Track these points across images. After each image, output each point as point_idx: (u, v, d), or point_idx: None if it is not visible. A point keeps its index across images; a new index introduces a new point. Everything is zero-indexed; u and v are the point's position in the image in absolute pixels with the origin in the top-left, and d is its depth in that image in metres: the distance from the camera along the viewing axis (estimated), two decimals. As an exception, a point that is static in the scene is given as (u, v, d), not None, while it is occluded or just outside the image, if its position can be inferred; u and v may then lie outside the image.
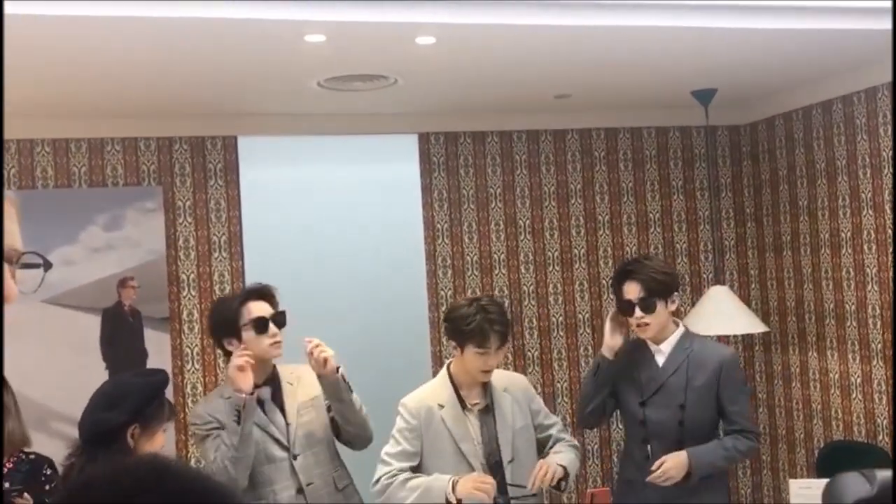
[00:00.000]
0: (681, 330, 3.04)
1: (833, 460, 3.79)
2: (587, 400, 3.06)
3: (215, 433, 2.70)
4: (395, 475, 2.72)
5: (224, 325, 2.82)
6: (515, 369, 4.33)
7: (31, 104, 3.55)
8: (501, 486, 2.72)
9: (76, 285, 3.83)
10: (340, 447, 2.94)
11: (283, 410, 2.80)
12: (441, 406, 2.77)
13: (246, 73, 3.23)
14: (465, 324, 2.68)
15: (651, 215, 4.54)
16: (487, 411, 2.79)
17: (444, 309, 4.19)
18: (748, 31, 3.05)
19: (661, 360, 3.00)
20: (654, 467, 2.85)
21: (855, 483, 1.01)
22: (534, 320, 4.38)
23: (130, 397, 2.11)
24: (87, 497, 0.76)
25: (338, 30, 2.68)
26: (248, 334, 2.76)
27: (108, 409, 2.11)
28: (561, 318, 4.41)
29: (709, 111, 4.10)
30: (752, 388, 4.60)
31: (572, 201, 4.44)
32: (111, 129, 3.88)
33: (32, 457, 2.53)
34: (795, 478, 4.29)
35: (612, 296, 4.39)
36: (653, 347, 3.02)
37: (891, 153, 3.70)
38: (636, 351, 3.05)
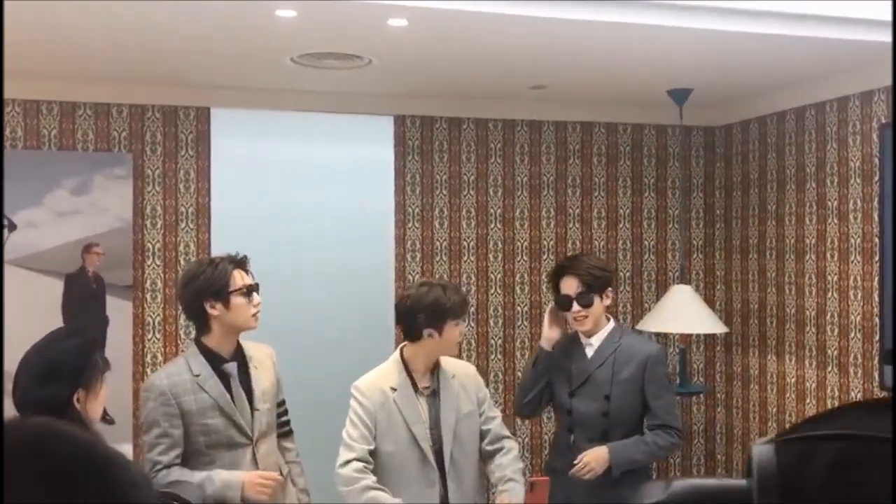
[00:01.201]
0: (611, 324, 3.15)
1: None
2: (525, 390, 3.17)
3: (166, 434, 2.65)
4: (359, 476, 2.71)
5: (212, 287, 2.73)
6: (478, 356, 4.35)
7: (5, 64, 3.51)
8: (440, 472, 2.74)
9: (41, 248, 3.82)
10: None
11: (250, 396, 2.77)
12: (393, 389, 2.79)
13: (220, 46, 3.21)
14: (444, 304, 2.76)
15: (621, 211, 4.57)
16: (434, 395, 2.83)
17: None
18: (726, 33, 3.07)
19: (590, 352, 3.11)
20: (575, 461, 2.94)
21: (653, 488, 1.07)
22: (499, 308, 4.40)
23: (67, 366, 2.09)
24: None
25: (309, 6, 2.67)
26: (238, 300, 2.74)
27: (49, 383, 2.09)
28: (526, 308, 4.43)
29: (684, 111, 4.12)
30: (712, 387, 4.66)
31: (544, 193, 4.46)
32: (84, 93, 3.85)
33: None
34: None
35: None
36: (584, 340, 3.12)
37: (858, 163, 3.74)
38: (569, 344, 3.16)
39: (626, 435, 3.03)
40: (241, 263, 2.84)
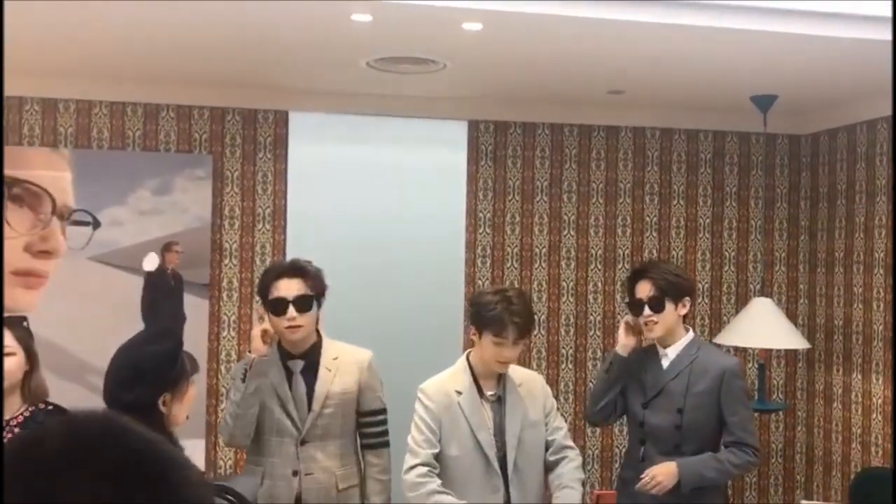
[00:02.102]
0: (689, 336, 3.05)
1: (867, 486, 3.66)
2: (598, 398, 3.08)
3: (234, 385, 2.78)
4: (424, 480, 2.70)
5: (260, 294, 2.88)
6: (549, 365, 4.30)
7: (92, 66, 3.64)
8: (503, 478, 2.71)
9: (122, 245, 3.93)
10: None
11: (310, 394, 2.79)
12: (459, 393, 2.77)
13: (296, 50, 3.26)
14: (487, 310, 2.69)
15: (701, 220, 4.44)
16: (500, 402, 2.79)
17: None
18: (813, 37, 2.95)
19: (665, 363, 3.01)
20: (643, 475, 2.86)
21: None
22: (571, 318, 4.33)
23: (154, 371, 2.10)
24: (38, 450, 0.77)
25: (384, 10, 2.68)
26: (269, 312, 2.79)
27: (136, 387, 2.11)
28: (599, 318, 4.35)
29: (768, 118, 3.99)
30: (793, 405, 4.48)
31: (620, 200, 4.37)
32: (167, 95, 3.96)
33: (51, 408, 2.59)
34: (829, 500, 4.17)
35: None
36: (660, 351, 3.03)
37: (955, 174, 3.54)
38: (645, 355, 3.07)
39: (699, 450, 2.93)
40: (293, 272, 2.78)
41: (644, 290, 2.97)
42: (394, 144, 4.42)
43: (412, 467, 2.73)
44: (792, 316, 4.39)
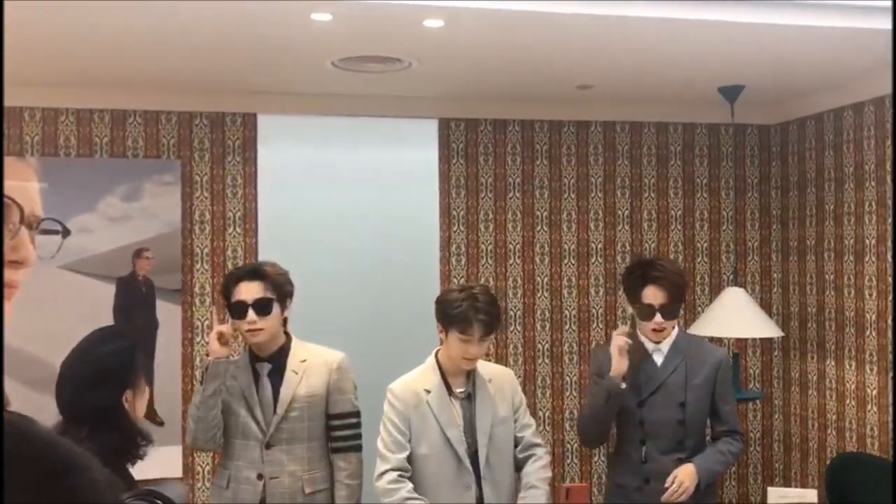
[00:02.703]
0: (676, 329, 3.04)
1: (842, 471, 3.69)
2: (600, 425, 2.95)
3: (197, 388, 2.81)
4: (396, 486, 2.68)
5: (224, 298, 2.86)
6: (526, 361, 4.30)
7: (57, 74, 3.61)
8: (475, 475, 2.71)
9: (93, 253, 3.90)
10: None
11: (276, 397, 2.78)
12: (427, 391, 2.77)
13: (261, 51, 3.24)
14: (452, 308, 2.69)
15: (673, 212, 4.46)
16: (469, 399, 2.79)
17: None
18: (778, 27, 2.96)
19: (659, 359, 2.97)
20: (667, 483, 2.79)
21: None
22: (546, 312, 4.34)
23: (115, 370, 2.11)
24: None
25: (343, 9, 2.67)
26: (230, 316, 2.78)
27: (99, 388, 2.10)
28: (574, 312, 4.36)
29: (737, 109, 4.01)
30: (769, 394, 4.51)
31: (592, 195, 4.39)
32: (133, 101, 3.93)
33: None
34: (807, 487, 4.20)
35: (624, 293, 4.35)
36: (650, 346, 2.98)
37: (920, 159, 3.58)
38: (633, 350, 2.97)
39: (698, 443, 2.92)
40: (254, 274, 2.77)
41: (655, 296, 2.87)
42: (364, 145, 4.41)
43: (382, 473, 2.71)
44: (766, 305, 4.42)
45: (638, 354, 2.96)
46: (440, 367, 2.81)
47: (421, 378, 2.82)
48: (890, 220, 3.74)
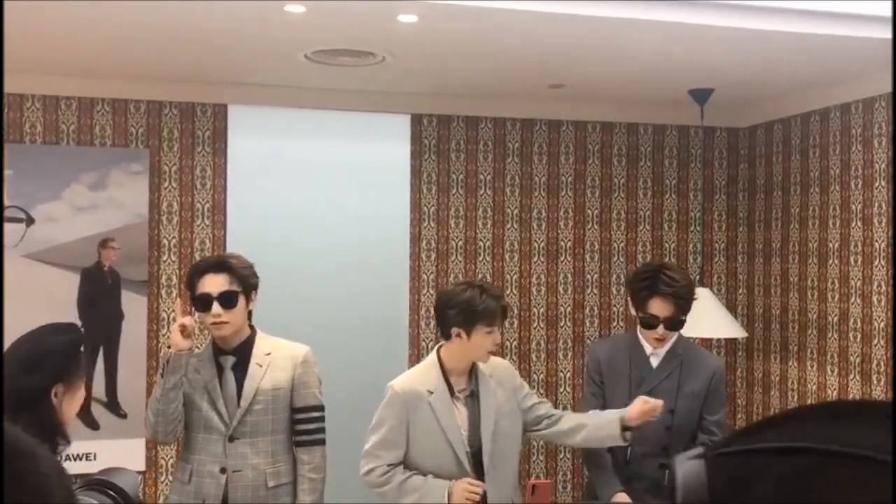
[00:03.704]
0: (677, 333, 2.99)
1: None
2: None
3: (158, 381, 2.79)
4: (390, 471, 2.67)
5: (188, 290, 2.84)
6: (493, 358, 4.31)
7: (24, 59, 3.55)
8: (478, 472, 2.69)
9: (58, 243, 3.85)
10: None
11: (239, 390, 2.76)
12: (430, 392, 2.71)
13: (233, 42, 3.21)
14: (476, 305, 2.66)
15: (641, 213, 4.50)
16: (473, 397, 2.76)
17: (432, 295, 4.18)
18: (748, 31, 3.00)
19: (655, 361, 2.96)
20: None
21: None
22: (515, 310, 4.35)
23: (51, 357, 2.07)
24: None
25: (317, 2, 2.66)
26: (195, 308, 2.76)
27: (30, 373, 2.07)
28: (542, 310, 4.38)
29: (707, 112, 4.05)
30: (732, 394, 4.57)
31: (562, 193, 4.41)
32: (101, 89, 3.88)
33: None
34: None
35: (595, 290, 4.38)
36: (648, 348, 2.97)
37: (883, 165, 3.64)
38: (628, 347, 2.98)
39: (684, 450, 2.90)
40: (218, 267, 2.74)
41: (662, 308, 2.85)
42: (335, 138, 4.40)
43: (369, 471, 2.69)
44: (731, 306, 4.47)
45: (636, 353, 2.97)
46: (442, 367, 2.76)
47: (423, 378, 2.75)
48: (854, 224, 3.81)
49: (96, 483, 0.98)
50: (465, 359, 2.74)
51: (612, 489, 2.88)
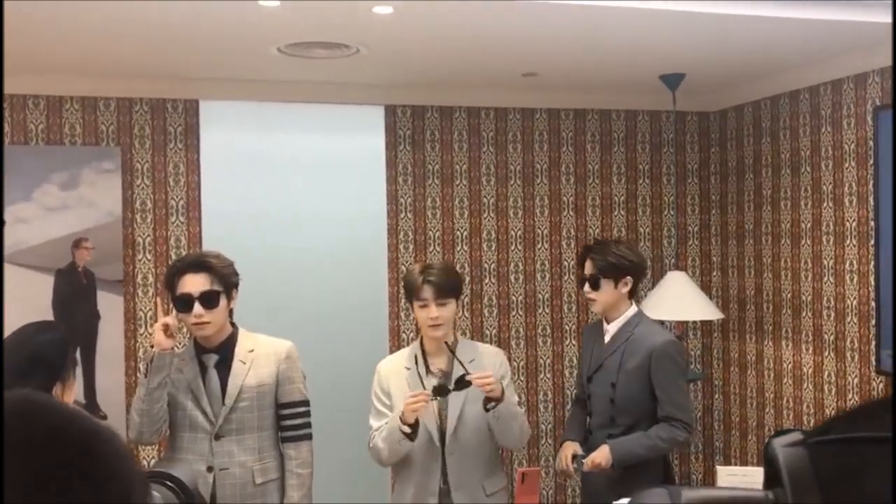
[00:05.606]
0: (631, 311, 3.12)
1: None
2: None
3: (140, 380, 2.76)
4: (379, 428, 2.87)
5: (167, 289, 2.81)
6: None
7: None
8: (441, 450, 2.81)
9: (30, 244, 3.79)
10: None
11: (224, 388, 2.75)
12: (407, 368, 2.87)
13: (205, 36, 3.18)
14: (408, 281, 2.88)
15: (616, 198, 4.53)
16: (447, 376, 2.85)
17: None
18: (717, 16, 3.03)
19: (607, 338, 3.13)
20: (585, 468, 3.03)
21: (658, 496, 0.92)
22: (493, 298, 4.37)
23: (48, 360, 2.06)
24: None
25: (292, -5, 2.64)
26: (175, 309, 2.73)
27: (34, 376, 2.06)
28: (521, 297, 4.41)
29: (678, 97, 4.09)
30: (710, 374, 4.63)
31: (538, 181, 4.43)
32: (70, 87, 3.82)
33: None
34: (747, 465, 4.33)
35: (573, 276, 4.41)
36: (604, 325, 3.15)
37: (853, 146, 3.70)
38: (596, 327, 3.23)
39: (634, 422, 3.03)
40: (197, 266, 2.71)
41: (588, 267, 3.11)
42: (310, 131, 4.37)
43: (369, 441, 2.87)
44: (706, 288, 4.53)
45: (597, 332, 3.19)
46: (423, 348, 2.92)
47: (406, 355, 2.95)
48: (825, 205, 3.87)
49: (156, 475, 0.98)
50: (426, 336, 2.89)
51: (565, 439, 3.19)
